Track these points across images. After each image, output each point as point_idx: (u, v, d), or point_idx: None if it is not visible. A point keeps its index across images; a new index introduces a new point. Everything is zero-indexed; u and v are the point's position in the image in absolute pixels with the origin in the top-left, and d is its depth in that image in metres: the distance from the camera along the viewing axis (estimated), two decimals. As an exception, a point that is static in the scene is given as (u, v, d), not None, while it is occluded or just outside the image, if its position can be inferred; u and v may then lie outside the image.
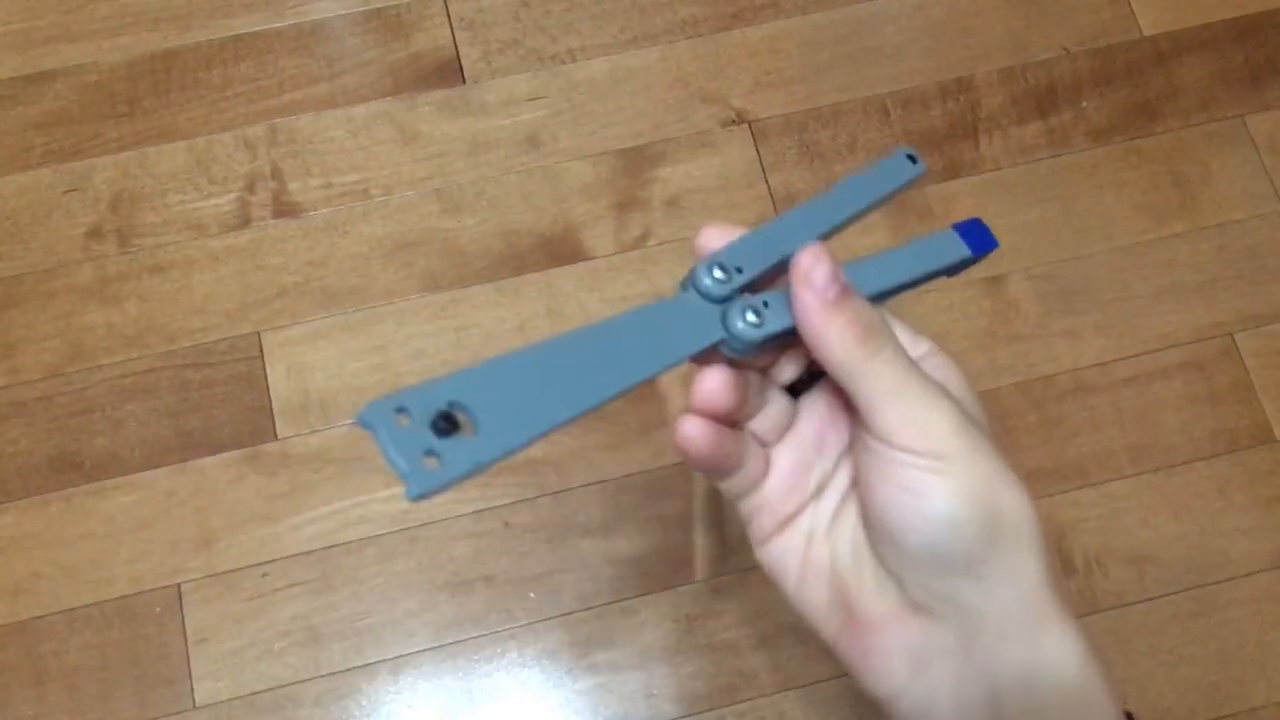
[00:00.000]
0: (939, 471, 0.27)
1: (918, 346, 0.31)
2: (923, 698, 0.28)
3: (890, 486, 0.28)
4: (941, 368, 0.30)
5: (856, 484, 0.30)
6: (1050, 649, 0.27)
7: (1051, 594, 0.27)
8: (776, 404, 0.32)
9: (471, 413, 0.24)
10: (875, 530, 0.29)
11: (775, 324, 0.29)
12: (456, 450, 0.23)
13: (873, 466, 0.28)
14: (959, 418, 0.27)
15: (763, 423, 0.32)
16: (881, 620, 0.28)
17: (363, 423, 0.23)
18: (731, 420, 0.30)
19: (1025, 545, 0.27)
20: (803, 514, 0.31)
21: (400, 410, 0.23)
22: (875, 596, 0.29)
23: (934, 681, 0.28)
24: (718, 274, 0.29)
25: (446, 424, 0.23)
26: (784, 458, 0.32)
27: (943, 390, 0.28)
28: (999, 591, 0.27)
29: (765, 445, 0.32)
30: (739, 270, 0.30)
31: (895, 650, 0.28)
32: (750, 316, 0.29)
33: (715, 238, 0.31)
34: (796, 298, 0.28)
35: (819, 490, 0.31)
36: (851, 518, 0.30)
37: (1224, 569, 0.63)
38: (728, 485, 0.32)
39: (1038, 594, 0.27)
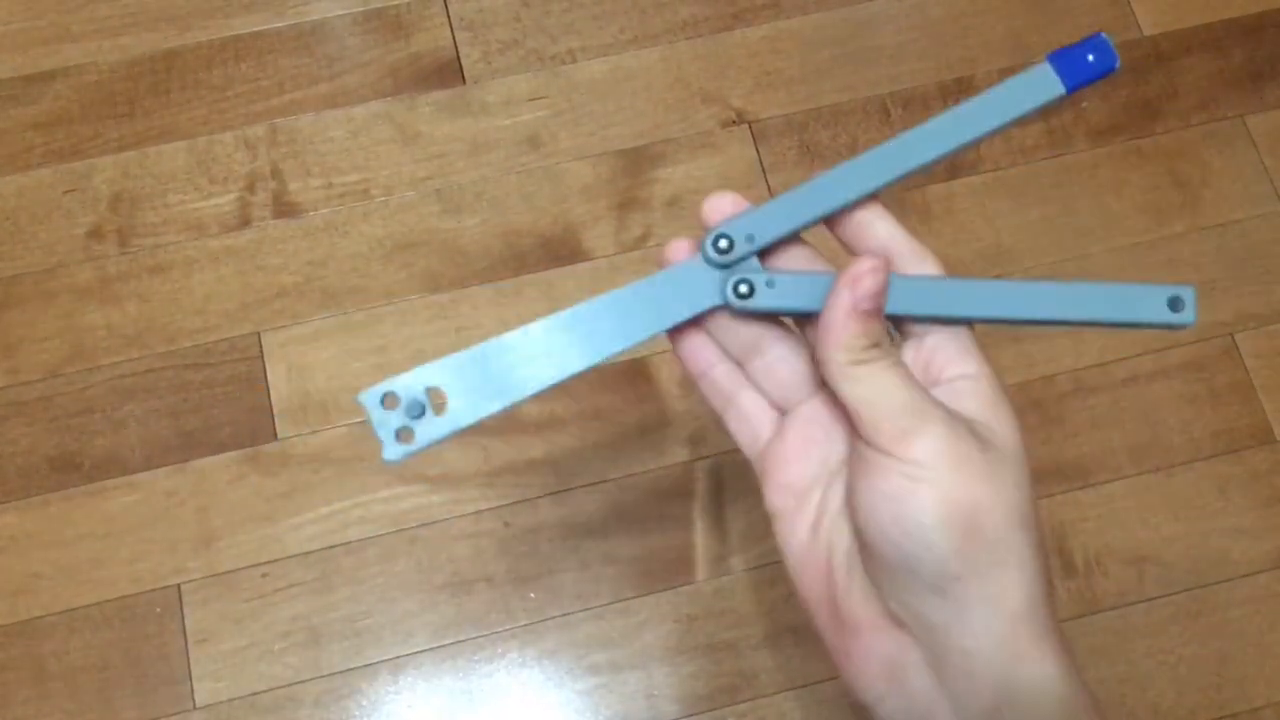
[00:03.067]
0: (917, 479, 0.26)
1: (966, 364, 0.30)
2: (900, 709, 0.28)
3: (871, 491, 0.27)
4: (968, 393, 0.30)
5: (847, 488, 0.29)
6: (1025, 682, 0.26)
7: (1035, 624, 0.27)
8: (788, 364, 0.31)
9: (447, 394, 0.30)
10: (858, 534, 0.28)
11: (770, 302, 0.30)
12: (424, 427, 0.30)
13: (858, 470, 0.28)
14: (951, 430, 0.27)
15: (768, 379, 0.32)
16: (861, 625, 0.28)
17: (359, 403, 0.31)
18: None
19: (1010, 567, 0.26)
20: (810, 496, 0.31)
21: (389, 394, 0.30)
22: (860, 601, 0.29)
23: (910, 694, 0.27)
24: (722, 243, 0.30)
25: (418, 408, 0.30)
26: (795, 427, 0.31)
27: (941, 409, 0.28)
28: (972, 614, 0.26)
29: (780, 410, 0.32)
30: (749, 238, 0.31)
31: (872, 657, 0.28)
32: (742, 288, 0.30)
33: (718, 210, 0.31)
34: (835, 291, 0.28)
35: (830, 479, 0.31)
36: None
37: (1224, 569, 0.63)
38: (734, 431, 0.32)
39: (1018, 622, 0.26)
